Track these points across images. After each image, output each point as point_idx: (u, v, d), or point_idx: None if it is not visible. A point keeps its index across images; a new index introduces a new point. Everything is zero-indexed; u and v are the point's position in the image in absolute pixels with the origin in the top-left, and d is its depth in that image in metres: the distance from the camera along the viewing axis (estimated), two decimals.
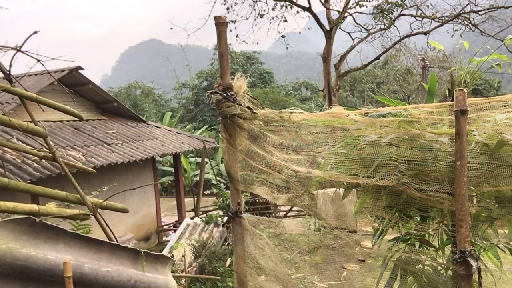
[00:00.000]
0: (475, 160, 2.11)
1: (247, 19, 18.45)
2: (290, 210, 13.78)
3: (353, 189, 2.53)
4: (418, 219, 2.53)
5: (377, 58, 19.28)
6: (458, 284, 2.09)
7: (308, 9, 17.46)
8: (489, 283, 2.25)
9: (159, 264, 2.82)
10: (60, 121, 10.07)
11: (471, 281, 2.07)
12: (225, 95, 2.45)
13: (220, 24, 2.49)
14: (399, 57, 28.91)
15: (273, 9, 18.28)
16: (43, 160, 6.82)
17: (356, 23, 18.53)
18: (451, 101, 2.15)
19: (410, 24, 17.71)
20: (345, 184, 2.48)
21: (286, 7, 18.09)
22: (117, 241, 2.90)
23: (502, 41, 3.68)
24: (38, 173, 7.10)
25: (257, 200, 13.37)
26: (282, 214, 13.74)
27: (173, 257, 5.07)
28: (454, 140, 2.06)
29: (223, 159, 3.52)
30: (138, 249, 2.66)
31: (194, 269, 7.17)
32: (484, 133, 2.18)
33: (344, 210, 7.58)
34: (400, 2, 16.97)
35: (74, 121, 10.31)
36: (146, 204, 11.96)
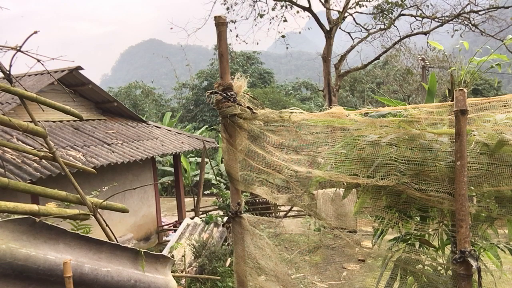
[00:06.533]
0: (475, 160, 2.11)
1: (247, 19, 18.46)
2: (290, 210, 13.78)
3: (353, 189, 2.53)
4: (418, 219, 2.53)
5: (377, 58, 19.28)
6: (458, 284, 2.09)
7: (308, 9, 17.46)
8: (489, 283, 2.25)
9: (159, 264, 2.82)
10: (60, 121, 10.07)
11: (471, 281, 2.07)
12: (225, 95, 2.45)
13: (220, 24, 2.49)
14: (399, 57, 28.91)
15: (273, 9, 18.29)
16: (43, 160, 6.82)
17: (356, 23, 18.53)
18: (451, 101, 2.15)
19: (410, 24, 17.71)
20: (345, 184, 2.48)
21: (286, 7, 18.10)
22: (117, 241, 2.90)
23: (502, 41, 3.68)
24: (38, 173, 7.10)
25: (257, 200, 13.37)
26: (282, 214, 13.74)
27: (173, 257, 5.07)
28: (454, 140, 2.06)
29: (223, 159, 3.52)
30: (138, 249, 2.66)
31: (194, 269, 7.18)
32: (484, 133, 2.18)
33: (344, 210, 7.58)
34: (400, 2, 16.97)
35: (74, 121, 10.31)
36: (146, 204, 11.96)
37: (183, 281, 6.04)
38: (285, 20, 18.47)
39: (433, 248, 2.59)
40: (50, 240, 2.22)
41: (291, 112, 2.45)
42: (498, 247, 2.58)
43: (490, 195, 2.24)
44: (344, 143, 2.40)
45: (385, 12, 17.51)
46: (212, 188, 11.86)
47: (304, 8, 17.58)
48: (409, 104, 3.13)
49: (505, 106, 2.24)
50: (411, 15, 17.60)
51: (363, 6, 17.51)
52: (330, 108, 2.42)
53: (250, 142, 2.54)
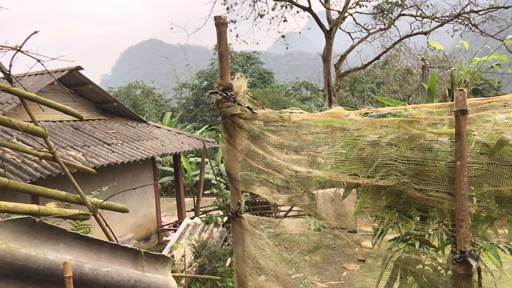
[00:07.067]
0: (475, 160, 2.11)
1: (247, 19, 18.46)
2: (290, 210, 13.78)
3: (353, 189, 2.53)
4: (418, 219, 2.53)
5: (377, 58, 19.28)
6: (458, 284, 2.09)
7: (308, 9, 17.46)
8: (489, 283, 2.25)
9: (159, 264, 2.82)
10: (60, 121, 10.07)
11: (471, 281, 2.07)
12: (225, 95, 2.45)
13: (220, 24, 2.49)
14: (399, 57, 28.89)
15: (273, 9, 18.29)
16: (43, 160, 6.82)
17: (356, 23, 18.53)
18: (451, 101, 2.15)
19: (410, 24, 17.72)
20: (345, 184, 2.48)
21: (286, 7, 18.10)
22: (117, 241, 2.90)
23: (502, 41, 3.68)
24: (38, 173, 7.10)
25: (257, 200, 13.37)
26: (282, 214, 13.74)
27: (173, 257, 5.07)
28: (454, 140, 2.06)
29: (223, 159, 3.52)
30: (138, 249, 2.66)
31: (194, 269, 7.18)
32: (484, 133, 2.18)
33: (344, 210, 7.58)
34: (400, 2, 16.97)
35: (74, 121, 10.31)
36: (146, 204, 11.96)
37: (183, 281, 6.04)
38: (285, 20, 18.47)
39: (433, 248, 2.59)
40: (50, 240, 2.22)
41: (291, 112, 2.45)
42: (498, 247, 2.58)
43: (490, 195, 2.23)
44: (344, 143, 2.40)
45: (385, 12, 17.52)
46: (212, 188, 11.86)
47: (304, 8, 17.58)
48: (409, 104, 3.13)
49: (505, 106, 2.24)
50: (411, 15, 17.60)
51: (363, 6, 17.51)
52: (330, 108, 2.42)
53: (250, 142, 2.54)
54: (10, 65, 3.11)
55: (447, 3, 17.33)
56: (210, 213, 11.52)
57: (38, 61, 3.27)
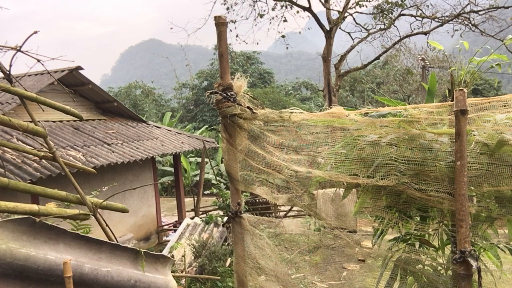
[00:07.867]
0: (475, 160, 2.11)
1: (247, 19, 18.46)
2: (290, 210, 13.78)
3: (353, 189, 2.53)
4: (418, 219, 2.53)
5: (377, 58, 19.28)
6: (458, 284, 2.09)
7: (308, 9, 17.46)
8: (489, 283, 2.24)
9: (159, 264, 2.82)
10: (60, 121, 10.07)
11: (471, 281, 2.07)
12: (225, 95, 2.45)
13: (220, 24, 2.49)
14: (399, 57, 28.86)
15: (273, 9, 18.30)
16: (43, 160, 6.82)
17: (356, 23, 18.53)
18: (451, 101, 2.15)
19: (410, 24, 17.72)
20: (345, 184, 2.48)
21: (286, 7, 18.10)
22: (117, 241, 2.90)
23: (502, 41, 3.68)
24: (38, 173, 7.10)
25: (257, 200, 13.37)
26: (282, 214, 13.74)
27: (173, 257, 5.07)
28: (454, 140, 2.06)
29: (223, 159, 3.52)
30: (138, 249, 2.66)
31: (194, 269, 7.17)
32: (484, 133, 2.18)
33: (344, 210, 7.58)
34: (400, 2, 16.97)
35: (74, 121, 10.31)
36: (146, 204, 11.96)
37: (183, 281, 6.04)
38: (285, 20, 18.47)
39: (433, 248, 2.59)
40: (50, 240, 2.22)
41: (291, 112, 2.45)
42: (498, 247, 2.58)
43: (490, 195, 2.23)
44: (344, 143, 2.40)
45: (385, 12, 17.52)
46: (212, 188, 11.87)
47: (304, 8, 17.58)
48: (409, 104, 3.13)
49: (505, 106, 2.24)
50: (411, 15, 17.61)
51: (363, 6, 17.51)
52: (330, 108, 2.41)
53: (250, 142, 2.54)
54: (10, 65, 3.11)
55: (447, 3, 17.34)
56: (210, 213, 11.53)
57: (38, 61, 3.27)
